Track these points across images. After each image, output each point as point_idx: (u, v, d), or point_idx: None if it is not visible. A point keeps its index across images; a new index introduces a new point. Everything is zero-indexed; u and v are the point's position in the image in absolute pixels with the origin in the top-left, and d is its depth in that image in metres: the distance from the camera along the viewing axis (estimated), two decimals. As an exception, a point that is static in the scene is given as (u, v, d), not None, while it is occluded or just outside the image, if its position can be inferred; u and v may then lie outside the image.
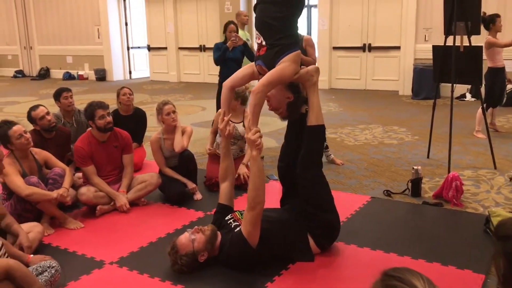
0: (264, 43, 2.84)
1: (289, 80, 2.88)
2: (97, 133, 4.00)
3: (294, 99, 3.01)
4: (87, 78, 14.17)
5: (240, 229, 2.90)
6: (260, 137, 2.75)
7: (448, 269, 2.89)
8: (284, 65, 2.78)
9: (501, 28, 5.98)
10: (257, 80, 3.00)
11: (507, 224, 1.61)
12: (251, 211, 2.78)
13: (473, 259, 3.00)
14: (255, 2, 2.97)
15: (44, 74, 14.92)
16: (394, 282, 1.26)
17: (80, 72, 14.29)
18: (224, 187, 3.25)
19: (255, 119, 2.79)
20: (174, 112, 4.22)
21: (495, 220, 3.31)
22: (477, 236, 3.34)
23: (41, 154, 3.80)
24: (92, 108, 3.94)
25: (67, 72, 14.40)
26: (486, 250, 3.12)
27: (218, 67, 5.99)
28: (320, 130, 3.03)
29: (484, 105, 5.94)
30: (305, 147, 3.04)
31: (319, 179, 3.06)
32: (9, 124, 3.58)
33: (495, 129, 6.28)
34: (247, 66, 3.10)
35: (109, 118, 3.95)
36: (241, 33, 6.34)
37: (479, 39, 5.03)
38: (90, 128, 4.07)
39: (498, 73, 6.00)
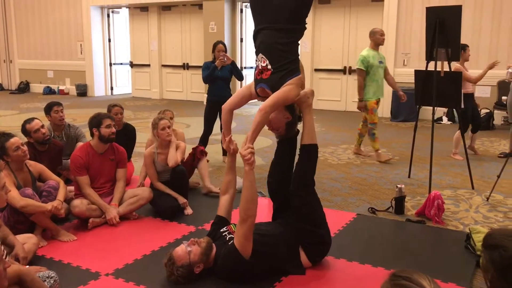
0: (269, 66, 2.94)
1: (292, 102, 3.02)
2: (96, 143, 4.08)
3: (292, 119, 3.16)
4: (67, 93, 14.11)
5: (233, 241, 2.99)
6: (252, 153, 2.83)
7: (433, 282, 3.04)
8: (290, 88, 2.89)
9: (469, 57, 6.28)
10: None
11: (493, 235, 1.76)
12: (243, 224, 2.89)
13: (456, 273, 3.16)
14: (258, 27, 3.05)
15: (23, 88, 14.79)
16: (402, 281, 1.37)
17: (61, 87, 14.23)
18: (224, 200, 3.36)
19: (255, 136, 2.89)
20: (169, 127, 4.32)
21: (475, 237, 3.48)
22: (459, 252, 3.51)
23: (35, 166, 3.84)
24: (101, 117, 4.08)
25: (48, 87, 14.32)
26: (468, 265, 3.29)
27: (205, 86, 6.13)
28: (313, 149, 3.17)
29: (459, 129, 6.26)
30: (298, 165, 3.17)
31: (312, 196, 3.19)
32: (7, 136, 3.63)
33: (475, 151, 6.54)
34: (245, 88, 3.20)
35: (114, 129, 4.08)
36: (373, 53, 6.03)
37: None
38: (90, 139, 4.16)
39: (466, 98, 6.26)
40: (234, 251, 2.93)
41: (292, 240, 3.15)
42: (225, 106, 3.22)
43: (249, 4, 3.16)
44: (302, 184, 3.13)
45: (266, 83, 2.96)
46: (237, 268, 2.96)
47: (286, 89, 2.89)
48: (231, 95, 6.04)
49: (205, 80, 5.99)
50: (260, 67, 3.00)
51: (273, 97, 2.89)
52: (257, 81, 3.04)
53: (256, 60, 3.04)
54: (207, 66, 5.97)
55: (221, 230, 3.24)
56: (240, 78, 6.18)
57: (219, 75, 5.90)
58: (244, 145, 2.85)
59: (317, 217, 3.17)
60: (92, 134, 4.12)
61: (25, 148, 3.66)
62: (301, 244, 3.16)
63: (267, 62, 2.94)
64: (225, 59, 5.81)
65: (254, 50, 3.10)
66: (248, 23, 11.85)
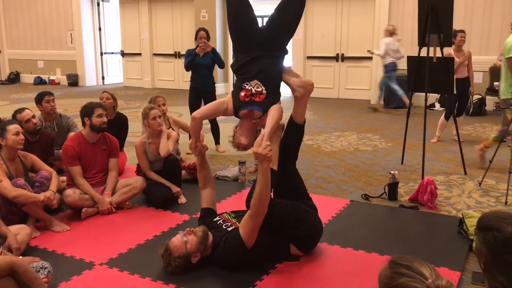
0: (264, 91, 3.01)
1: None
2: (88, 132, 4.06)
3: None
4: (58, 83, 13.98)
5: (236, 230, 3.00)
6: (271, 150, 2.80)
7: (427, 267, 3.06)
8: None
9: (460, 42, 6.22)
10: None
11: (487, 217, 1.76)
12: (254, 218, 2.88)
13: (449, 258, 3.18)
14: (253, 55, 3.05)
15: (14, 78, 14.64)
16: (402, 269, 1.35)
17: (52, 77, 14.09)
18: (206, 192, 3.40)
19: (272, 133, 2.93)
20: (160, 117, 4.30)
21: (468, 221, 3.51)
22: (452, 237, 3.53)
23: (27, 157, 3.82)
24: (93, 106, 4.06)
25: (38, 77, 14.17)
26: (460, 250, 3.31)
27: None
28: (274, 173, 3.08)
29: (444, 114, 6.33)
30: (256, 183, 3.01)
31: (276, 207, 3.10)
32: (9, 121, 3.76)
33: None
34: (220, 104, 3.14)
35: (105, 119, 4.06)
36: None
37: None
38: (82, 129, 4.14)
39: (461, 83, 6.25)
40: (238, 240, 2.94)
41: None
42: (195, 115, 3.16)
43: (232, 32, 3.19)
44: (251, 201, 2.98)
45: (259, 106, 3.02)
46: (238, 256, 2.97)
47: (280, 107, 3.07)
48: (213, 82, 6.04)
49: (186, 67, 5.98)
50: (253, 91, 3.02)
51: (279, 107, 3.05)
52: (244, 102, 3.03)
53: (246, 84, 3.02)
54: (189, 54, 5.95)
55: (214, 220, 3.24)
56: (222, 65, 6.15)
57: (201, 62, 5.89)
58: (260, 143, 2.77)
59: (290, 220, 3.14)
60: (83, 124, 4.09)
61: (22, 137, 3.67)
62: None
63: (263, 88, 3.01)
64: (205, 46, 5.78)
65: (244, 74, 3.06)
66: (239, 11, 11.76)
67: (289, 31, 3.17)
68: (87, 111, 4.04)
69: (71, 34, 13.58)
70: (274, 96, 3.05)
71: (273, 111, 2.98)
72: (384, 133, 7.11)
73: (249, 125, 3.09)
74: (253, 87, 3.02)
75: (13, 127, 3.65)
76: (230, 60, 11.74)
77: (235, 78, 3.22)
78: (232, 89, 3.24)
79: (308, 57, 10.84)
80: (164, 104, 4.93)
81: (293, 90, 3.20)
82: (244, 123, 3.11)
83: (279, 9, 3.09)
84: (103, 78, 14.10)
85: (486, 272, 1.62)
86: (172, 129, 4.85)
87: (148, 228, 3.72)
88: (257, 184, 2.86)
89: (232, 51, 3.28)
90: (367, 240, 3.48)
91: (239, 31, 3.12)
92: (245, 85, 3.03)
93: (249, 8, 3.10)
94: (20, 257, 2.97)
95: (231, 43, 3.32)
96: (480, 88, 8.62)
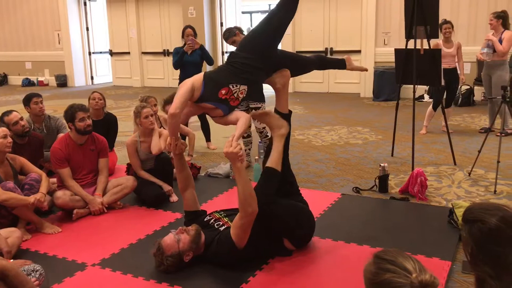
0: (241, 99, 3.12)
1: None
2: (75, 135, 4.03)
3: None
4: (47, 84, 13.88)
5: (228, 230, 2.99)
6: (241, 148, 2.83)
7: (418, 257, 3.05)
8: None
9: (445, 34, 6.27)
10: None
11: (473, 209, 1.78)
12: (244, 219, 2.87)
13: (439, 248, 3.21)
14: (259, 65, 3.13)
15: (1, 80, 14.50)
16: (387, 265, 1.36)
17: (40, 78, 13.98)
18: (189, 194, 3.33)
19: (241, 136, 3.01)
20: (152, 115, 4.30)
21: (458, 212, 3.53)
22: (442, 227, 3.56)
23: (17, 160, 3.79)
24: (73, 110, 3.99)
25: (26, 78, 14.06)
26: (451, 239, 3.34)
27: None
28: (275, 173, 3.16)
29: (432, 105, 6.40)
30: (258, 185, 3.15)
31: (276, 208, 3.10)
32: None
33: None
34: (189, 92, 3.01)
35: (89, 121, 4.02)
36: None
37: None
38: (69, 131, 4.11)
39: (450, 73, 6.30)
40: (229, 241, 2.93)
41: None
42: (174, 111, 2.94)
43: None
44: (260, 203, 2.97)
45: (229, 109, 3.08)
46: (229, 255, 2.97)
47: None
48: None
49: (175, 65, 5.99)
50: (235, 96, 3.05)
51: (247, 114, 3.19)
52: (219, 99, 3.03)
53: (235, 85, 3.04)
54: (177, 52, 5.96)
55: (205, 220, 3.24)
56: (210, 62, 6.15)
57: (189, 60, 5.89)
58: (230, 144, 2.79)
59: (293, 221, 3.15)
60: (69, 127, 4.08)
61: (10, 140, 3.64)
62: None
63: (244, 96, 3.12)
64: (193, 43, 5.78)
65: (241, 74, 3.07)
66: (227, 7, 11.73)
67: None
68: (68, 117, 4.00)
69: (58, 34, 13.48)
70: (242, 106, 3.18)
71: (244, 119, 3.03)
72: (374, 126, 7.14)
73: (195, 110, 3.15)
74: (239, 91, 3.06)
75: (1, 130, 3.62)
76: (219, 57, 11.71)
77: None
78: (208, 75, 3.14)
79: (298, 52, 10.82)
80: (155, 105, 4.94)
81: (274, 84, 3.26)
82: (193, 105, 3.07)
83: (296, 58, 3.72)
84: (92, 78, 14.02)
85: (473, 263, 1.65)
86: (164, 128, 4.84)
87: (140, 227, 3.72)
88: (237, 186, 2.86)
89: (249, 52, 3.22)
90: (359, 233, 3.50)
91: (273, 46, 3.26)
92: (232, 86, 3.03)
93: None
94: (11, 260, 2.96)
95: (251, 53, 3.27)
96: (468, 79, 8.67)
